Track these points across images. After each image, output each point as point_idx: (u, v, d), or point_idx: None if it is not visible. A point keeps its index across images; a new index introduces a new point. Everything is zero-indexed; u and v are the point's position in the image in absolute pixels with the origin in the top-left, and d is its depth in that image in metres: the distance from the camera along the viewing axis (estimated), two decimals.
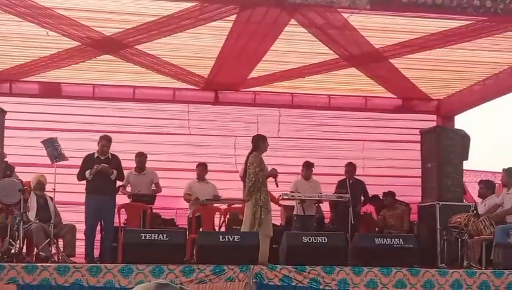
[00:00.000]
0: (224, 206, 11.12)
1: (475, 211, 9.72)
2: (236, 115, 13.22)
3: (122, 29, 9.88)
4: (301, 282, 8.22)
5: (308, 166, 11.43)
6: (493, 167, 15.69)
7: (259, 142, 9.22)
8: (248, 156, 9.16)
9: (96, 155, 10.13)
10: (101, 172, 9.86)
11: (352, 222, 10.59)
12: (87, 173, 9.90)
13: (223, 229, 10.57)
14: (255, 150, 9.17)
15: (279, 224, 11.70)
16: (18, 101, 12.14)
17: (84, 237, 9.95)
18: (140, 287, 2.07)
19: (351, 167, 11.76)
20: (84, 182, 10.07)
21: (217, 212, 10.96)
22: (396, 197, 11.84)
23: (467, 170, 12.97)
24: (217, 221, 10.93)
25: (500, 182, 11.57)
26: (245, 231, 8.88)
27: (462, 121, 13.64)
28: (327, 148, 13.20)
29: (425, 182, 11.57)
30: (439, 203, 10.79)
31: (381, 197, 11.91)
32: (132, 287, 2.09)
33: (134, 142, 12.20)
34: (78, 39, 10.25)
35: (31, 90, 12.31)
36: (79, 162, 10.18)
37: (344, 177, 11.70)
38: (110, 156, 10.16)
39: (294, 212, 11.26)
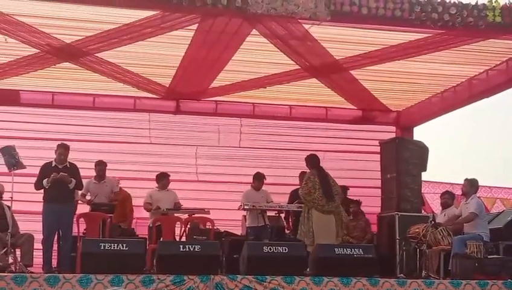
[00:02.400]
0: (185, 216, 11.07)
1: (433, 222, 9.84)
2: (197, 125, 13.19)
3: (83, 37, 9.79)
4: None
5: (259, 177, 11.46)
6: (452, 178, 15.96)
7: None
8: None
9: (54, 164, 10.00)
10: (59, 181, 9.73)
11: None
12: (45, 181, 9.77)
13: (183, 239, 10.52)
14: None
15: (240, 234, 11.71)
16: None
17: (42, 247, 9.80)
18: None
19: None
20: (42, 190, 9.93)
21: (178, 222, 10.90)
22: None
23: (425, 181, 13.14)
24: (177, 231, 10.87)
25: (459, 194, 11.76)
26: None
27: (420, 133, 13.83)
28: (288, 158, 13.24)
29: (385, 193, 11.69)
30: (398, 214, 10.91)
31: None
32: None
33: (95, 151, 12.08)
34: (37, 46, 10.12)
35: None
36: (37, 171, 10.03)
37: (298, 187, 11.63)
38: (68, 165, 10.04)
39: (248, 224, 11.28)
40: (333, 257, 8.86)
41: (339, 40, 9.90)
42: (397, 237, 10.68)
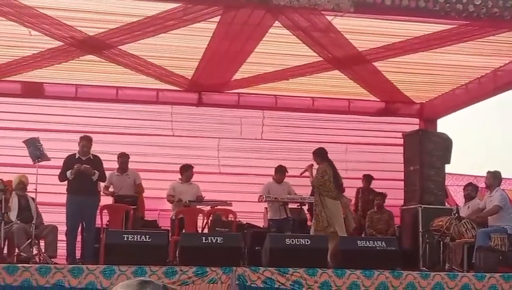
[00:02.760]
0: (207, 208, 11.09)
1: (457, 214, 9.77)
2: (219, 117, 13.19)
3: (106, 30, 9.83)
4: (284, 284, 8.21)
5: (280, 170, 11.43)
6: (475, 171, 15.81)
7: None
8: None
9: (77, 156, 10.06)
10: (82, 173, 9.79)
11: None
12: (68, 173, 9.84)
13: (205, 231, 10.55)
14: None
15: (262, 226, 11.72)
16: (0, 100, 12.05)
17: (65, 238, 9.88)
18: (123, 284, 2.05)
19: None
20: (66, 182, 10.00)
21: (200, 214, 10.93)
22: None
23: (448, 174, 13.04)
24: (199, 223, 10.90)
25: (482, 186, 11.66)
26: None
27: (443, 125, 13.73)
28: (310, 151, 13.17)
29: (408, 185, 11.61)
30: (421, 206, 10.84)
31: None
32: (111, 289, 2.06)
33: (117, 143, 12.16)
34: (61, 39, 10.18)
35: (13, 90, 12.20)
36: (61, 163, 10.11)
37: None
38: (91, 157, 10.10)
39: (269, 217, 11.29)
40: (356, 250, 8.84)
41: (362, 31, 9.84)
42: (420, 230, 10.61)
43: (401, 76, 11.94)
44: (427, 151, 11.30)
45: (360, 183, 12.54)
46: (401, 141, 12.03)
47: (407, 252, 10.32)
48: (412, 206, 11.15)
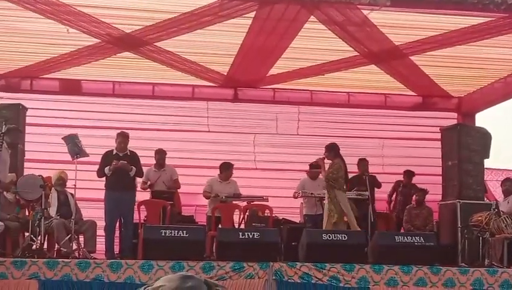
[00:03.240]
0: (243, 204, 11.11)
1: (496, 210, 9.64)
2: (255, 112, 13.20)
3: (142, 26, 9.91)
4: (321, 279, 8.20)
5: (315, 167, 11.35)
6: None
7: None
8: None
9: (115, 152, 10.15)
10: (119, 169, 9.87)
11: (372, 220, 10.53)
12: (106, 169, 9.93)
13: (242, 226, 10.57)
14: None
15: (298, 221, 11.70)
16: (39, 98, 12.23)
17: (104, 233, 9.98)
18: (165, 278, 2.06)
19: (365, 163, 11.62)
20: (104, 178, 10.11)
21: (237, 210, 10.95)
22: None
23: (487, 168, 12.87)
24: (236, 218, 10.93)
25: None
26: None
27: (482, 119, 13.54)
28: (346, 146, 13.11)
29: (446, 180, 11.48)
30: (460, 202, 10.72)
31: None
32: (152, 283, 2.08)
33: (154, 139, 12.23)
34: (98, 36, 10.29)
35: (52, 87, 12.38)
36: (99, 159, 10.22)
37: (357, 174, 11.54)
38: (128, 153, 10.17)
39: (305, 212, 11.26)
40: (394, 245, 8.79)
41: (399, 25, 9.76)
42: (459, 225, 10.49)
43: (439, 70, 11.80)
44: (465, 146, 11.16)
45: (396, 179, 12.43)
46: (438, 136, 11.89)
47: (446, 247, 10.21)
48: (450, 202, 11.03)
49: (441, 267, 8.47)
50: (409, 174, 12.11)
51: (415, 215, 11.44)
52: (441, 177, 11.70)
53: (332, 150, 10.19)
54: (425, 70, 11.72)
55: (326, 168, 10.14)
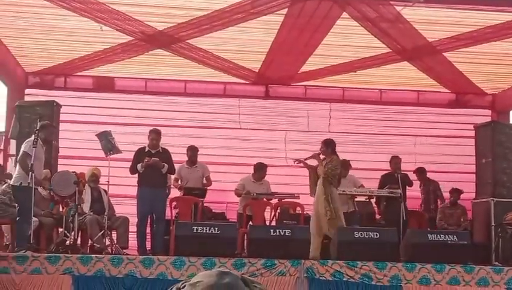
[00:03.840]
0: (274, 201, 11.11)
1: None
2: (286, 110, 13.18)
3: (175, 24, 9.97)
4: (353, 277, 8.17)
5: (344, 165, 11.20)
6: None
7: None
8: None
9: (147, 149, 10.19)
10: (151, 166, 9.91)
11: (404, 218, 10.44)
12: (139, 166, 9.98)
13: (273, 223, 10.56)
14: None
15: None
16: (73, 95, 12.37)
17: (136, 230, 10.06)
18: (202, 274, 2.07)
19: (397, 160, 11.46)
20: (136, 175, 10.17)
21: (268, 207, 10.95)
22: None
23: None
24: (267, 215, 10.93)
25: None
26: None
27: None
28: (378, 144, 13.07)
29: (480, 178, 11.36)
30: (493, 200, 10.60)
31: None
32: (184, 279, 2.09)
33: (186, 136, 12.29)
34: (131, 34, 10.38)
35: (85, 84, 12.52)
36: (131, 156, 10.28)
37: (389, 171, 11.41)
38: (160, 150, 10.20)
39: None
40: (426, 243, 8.71)
41: (432, 21, 9.67)
42: (493, 224, 10.37)
43: (473, 66, 11.67)
44: (499, 144, 11.03)
45: (429, 177, 12.31)
46: (472, 133, 11.77)
47: (480, 246, 10.09)
48: (484, 200, 10.90)
49: (475, 266, 8.37)
50: (420, 171, 11.88)
51: (449, 215, 11.32)
52: (474, 175, 11.58)
53: (330, 146, 9.83)
54: (459, 67, 11.60)
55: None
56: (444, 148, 13.04)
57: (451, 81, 12.47)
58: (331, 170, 9.60)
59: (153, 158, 9.92)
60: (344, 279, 8.15)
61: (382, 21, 9.68)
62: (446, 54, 11.01)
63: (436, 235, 8.86)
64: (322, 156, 9.69)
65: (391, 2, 8.91)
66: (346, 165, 11.22)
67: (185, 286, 2.04)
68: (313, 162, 9.80)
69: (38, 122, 8.83)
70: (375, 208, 11.62)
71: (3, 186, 9.51)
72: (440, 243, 8.73)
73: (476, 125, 11.80)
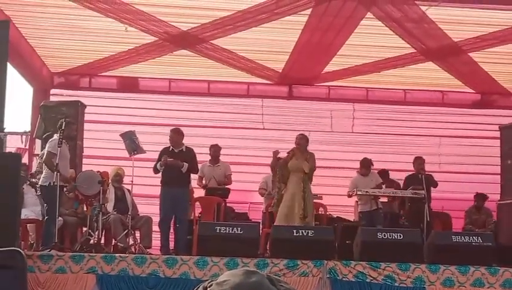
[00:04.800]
0: None
1: None
2: (310, 110, 13.16)
3: (199, 24, 10.00)
4: (376, 279, 8.12)
5: (365, 164, 11.13)
6: None
7: None
8: None
9: (171, 148, 10.18)
10: (170, 165, 9.84)
11: (428, 219, 10.36)
12: (158, 165, 9.95)
13: None
14: None
15: (352, 220, 11.61)
16: (97, 95, 12.47)
17: (159, 229, 10.08)
18: (229, 273, 2.08)
19: (421, 161, 11.35)
20: (160, 174, 10.17)
21: None
22: None
23: None
24: None
25: None
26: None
27: None
28: (402, 144, 13.00)
29: (505, 179, 11.22)
30: None
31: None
32: (207, 279, 2.09)
33: (209, 136, 12.30)
34: (155, 34, 10.43)
35: (110, 85, 12.62)
36: (156, 156, 10.30)
37: (413, 172, 11.31)
38: (184, 149, 10.15)
39: (360, 209, 11.11)
40: (450, 245, 8.64)
41: (458, 21, 9.61)
42: None
43: (499, 67, 11.57)
44: None
45: (454, 178, 12.23)
46: (497, 134, 11.64)
47: (504, 248, 9.98)
48: (509, 201, 10.75)
49: (499, 268, 8.29)
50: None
51: (475, 220, 11.23)
52: (499, 176, 11.46)
53: (307, 141, 9.76)
54: (484, 67, 11.51)
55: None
56: (469, 148, 12.93)
57: (477, 81, 12.37)
58: (312, 166, 9.53)
59: (168, 158, 9.80)
60: (367, 280, 8.11)
61: (407, 21, 9.64)
62: (471, 54, 10.93)
63: (461, 237, 8.79)
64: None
65: (416, 2, 8.88)
66: (368, 164, 11.17)
67: (211, 285, 2.05)
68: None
69: (64, 122, 8.89)
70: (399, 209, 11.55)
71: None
72: (464, 245, 8.65)
73: (501, 126, 11.66)
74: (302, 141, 9.70)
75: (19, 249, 7.51)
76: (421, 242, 8.99)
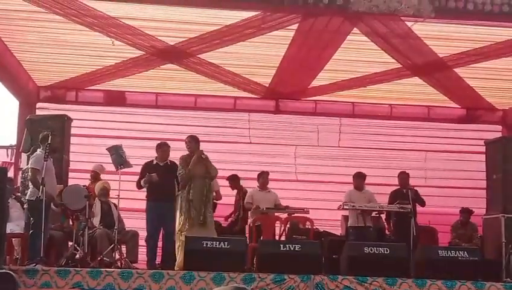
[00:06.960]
0: (284, 215, 11.08)
1: None
2: (296, 124, 13.19)
3: (186, 39, 10.02)
4: None
5: (359, 177, 11.17)
6: None
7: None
8: None
9: (155, 162, 10.15)
10: (154, 181, 9.79)
11: (415, 234, 10.37)
12: (142, 182, 9.92)
13: (283, 238, 10.54)
14: None
15: (339, 234, 11.62)
16: (84, 109, 12.42)
17: (145, 244, 10.04)
18: (218, 289, 2.09)
19: (405, 176, 11.39)
20: (144, 189, 10.11)
21: (277, 222, 10.93)
22: None
23: None
24: (277, 230, 10.90)
25: None
26: None
27: None
28: (388, 159, 13.05)
29: (490, 194, 11.30)
30: (504, 216, 10.51)
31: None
32: None
33: None
34: (142, 48, 10.43)
35: (96, 99, 12.58)
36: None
37: (398, 187, 11.34)
38: (168, 162, 10.14)
39: (350, 224, 11.10)
40: (437, 259, 8.67)
41: (443, 37, 9.69)
42: (503, 240, 10.30)
43: (483, 82, 11.67)
44: (510, 159, 10.96)
45: (440, 192, 12.27)
46: (483, 149, 11.73)
47: (490, 262, 10.03)
48: (494, 216, 10.83)
49: (485, 283, 8.32)
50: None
51: (461, 234, 11.27)
52: (485, 191, 11.53)
53: (197, 142, 9.77)
54: (469, 82, 11.60)
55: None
56: (455, 163, 13.00)
57: (462, 96, 12.46)
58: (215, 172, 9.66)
59: (148, 174, 9.77)
60: None
61: (393, 36, 9.71)
62: (457, 70, 11.02)
63: (447, 252, 8.82)
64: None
65: (402, 18, 8.93)
66: (363, 177, 11.14)
67: None
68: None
69: (50, 137, 8.82)
70: (385, 224, 11.57)
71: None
72: (451, 260, 8.69)
73: (486, 140, 11.76)
74: (192, 142, 9.71)
75: (11, 272, 7.42)
76: (408, 257, 9.01)
